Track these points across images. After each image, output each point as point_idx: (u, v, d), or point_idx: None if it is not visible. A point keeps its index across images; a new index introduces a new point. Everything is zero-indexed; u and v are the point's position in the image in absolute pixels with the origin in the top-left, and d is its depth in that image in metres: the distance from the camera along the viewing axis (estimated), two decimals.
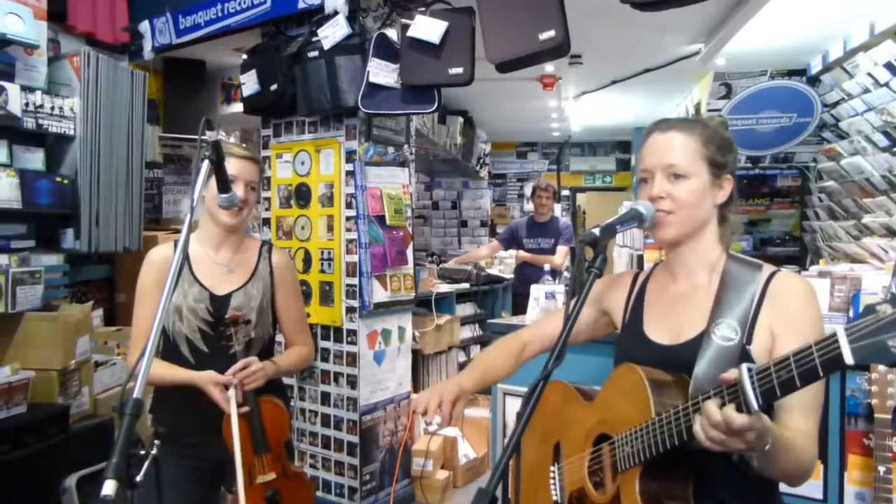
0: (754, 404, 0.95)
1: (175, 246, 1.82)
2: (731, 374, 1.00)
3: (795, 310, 1.22)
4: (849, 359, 0.86)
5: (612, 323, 1.50)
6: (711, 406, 1.01)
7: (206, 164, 1.40)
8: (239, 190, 1.86)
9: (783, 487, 1.26)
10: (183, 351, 1.88)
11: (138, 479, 1.02)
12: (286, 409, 1.97)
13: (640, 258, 3.47)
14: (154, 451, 1.06)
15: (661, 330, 1.34)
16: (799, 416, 1.16)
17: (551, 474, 1.43)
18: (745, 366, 0.98)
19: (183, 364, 1.89)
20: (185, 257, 1.89)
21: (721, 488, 1.20)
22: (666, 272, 1.40)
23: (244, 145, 1.93)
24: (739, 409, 0.98)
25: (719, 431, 1.00)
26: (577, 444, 1.36)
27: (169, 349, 1.90)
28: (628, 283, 1.47)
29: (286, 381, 2.40)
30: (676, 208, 1.27)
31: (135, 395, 1.04)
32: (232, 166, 1.85)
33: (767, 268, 1.29)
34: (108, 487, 0.94)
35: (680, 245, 1.33)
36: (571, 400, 1.44)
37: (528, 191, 8.34)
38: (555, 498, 1.41)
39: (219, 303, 1.89)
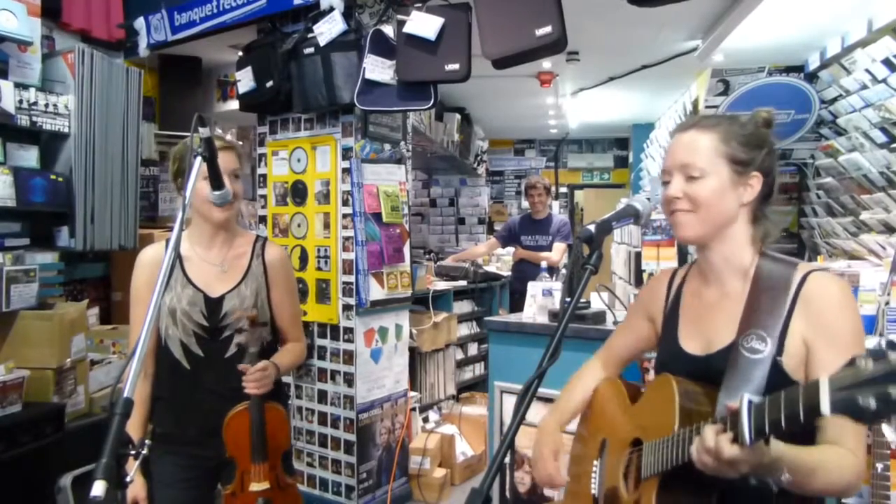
0: (747, 439, 0.92)
1: (166, 244, 1.77)
2: (736, 402, 0.97)
3: (830, 318, 1.15)
4: (826, 409, 0.82)
5: None
6: (708, 431, 0.99)
7: (198, 160, 1.39)
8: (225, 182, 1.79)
9: None
10: (175, 354, 1.85)
11: (128, 479, 1.01)
12: (288, 418, 1.94)
13: (638, 255, 3.46)
14: (144, 451, 1.04)
15: (694, 340, 1.31)
16: (840, 427, 1.08)
17: (594, 468, 1.45)
18: (747, 397, 0.94)
19: (174, 367, 1.86)
20: (178, 257, 1.87)
21: (751, 501, 1.15)
22: (700, 275, 1.37)
23: (218, 132, 1.85)
24: (737, 440, 0.95)
25: (710, 458, 0.98)
26: (617, 444, 1.37)
27: (160, 352, 1.87)
28: (665, 287, 1.44)
29: (283, 378, 2.38)
30: (695, 207, 1.23)
31: (125, 394, 1.03)
32: None
33: (803, 267, 1.22)
34: (98, 488, 0.93)
35: (707, 248, 1.29)
36: (619, 401, 1.44)
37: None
38: (593, 491, 1.43)
39: (213, 305, 1.86)
